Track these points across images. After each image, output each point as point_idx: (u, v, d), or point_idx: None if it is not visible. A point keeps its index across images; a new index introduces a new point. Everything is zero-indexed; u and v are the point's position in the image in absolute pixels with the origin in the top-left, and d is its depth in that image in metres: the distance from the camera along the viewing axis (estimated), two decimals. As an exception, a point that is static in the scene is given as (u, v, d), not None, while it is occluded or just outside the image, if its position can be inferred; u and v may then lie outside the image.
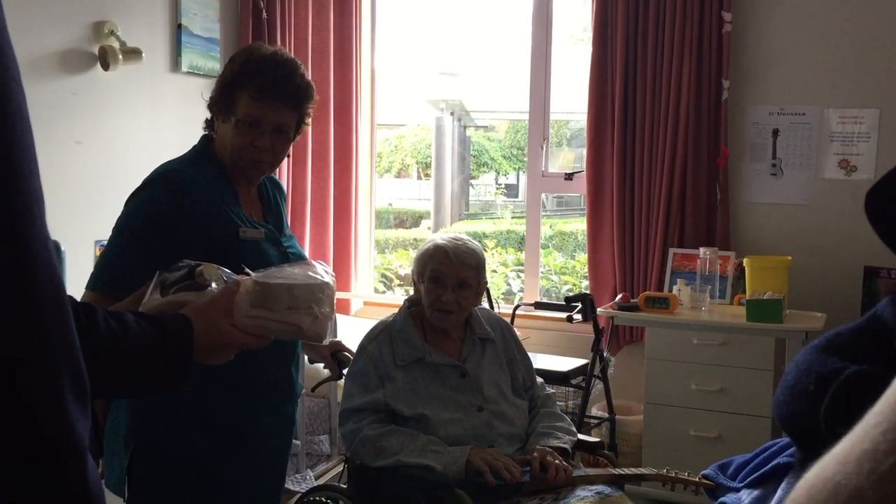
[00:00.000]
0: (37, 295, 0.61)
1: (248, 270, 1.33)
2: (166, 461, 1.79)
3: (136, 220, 1.75)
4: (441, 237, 2.38)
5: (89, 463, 0.65)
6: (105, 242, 3.48)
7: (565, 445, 2.26)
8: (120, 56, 3.48)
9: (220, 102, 1.87)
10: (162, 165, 1.86)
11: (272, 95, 1.83)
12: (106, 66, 3.46)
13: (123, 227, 1.77)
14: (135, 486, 1.78)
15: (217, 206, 1.81)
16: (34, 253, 0.60)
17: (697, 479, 2.10)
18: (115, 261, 1.74)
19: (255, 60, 1.84)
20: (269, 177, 2.04)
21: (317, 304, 1.33)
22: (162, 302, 1.22)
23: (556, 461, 2.14)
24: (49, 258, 0.62)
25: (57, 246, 3.05)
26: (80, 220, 3.38)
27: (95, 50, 3.47)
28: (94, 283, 1.74)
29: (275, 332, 1.29)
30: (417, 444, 2.12)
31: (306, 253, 4.46)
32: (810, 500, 0.41)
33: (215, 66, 4.10)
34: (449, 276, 2.28)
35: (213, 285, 1.26)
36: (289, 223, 2.09)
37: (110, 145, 3.58)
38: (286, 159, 4.33)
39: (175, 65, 3.91)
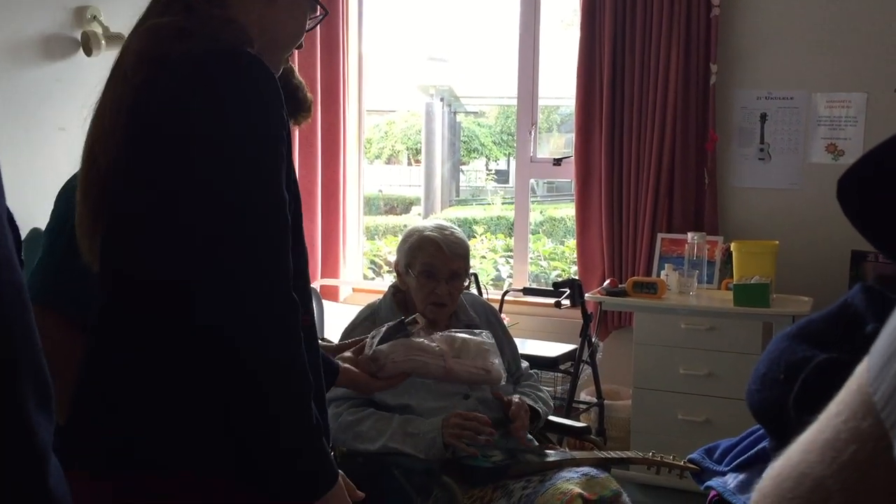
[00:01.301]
0: None
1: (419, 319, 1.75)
2: None
3: None
4: (427, 227, 2.33)
5: (52, 466, 0.64)
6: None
7: (539, 408, 2.27)
8: (103, 42, 3.44)
9: None
10: None
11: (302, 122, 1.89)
12: (89, 52, 3.42)
13: None
14: None
15: None
16: None
17: (683, 463, 2.10)
18: None
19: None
20: None
21: (491, 355, 1.78)
22: (393, 344, 1.64)
23: (525, 420, 2.16)
24: (8, 258, 0.61)
25: (40, 233, 3.02)
26: (65, 208, 3.36)
27: (78, 35, 3.43)
28: None
29: (470, 375, 1.74)
30: (394, 426, 2.12)
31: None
32: (776, 489, 0.41)
33: (201, 51, 4.07)
34: (442, 268, 2.25)
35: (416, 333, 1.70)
36: None
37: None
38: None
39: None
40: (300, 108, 1.82)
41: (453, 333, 1.78)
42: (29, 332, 0.63)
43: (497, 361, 1.80)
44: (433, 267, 2.24)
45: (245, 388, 1.13)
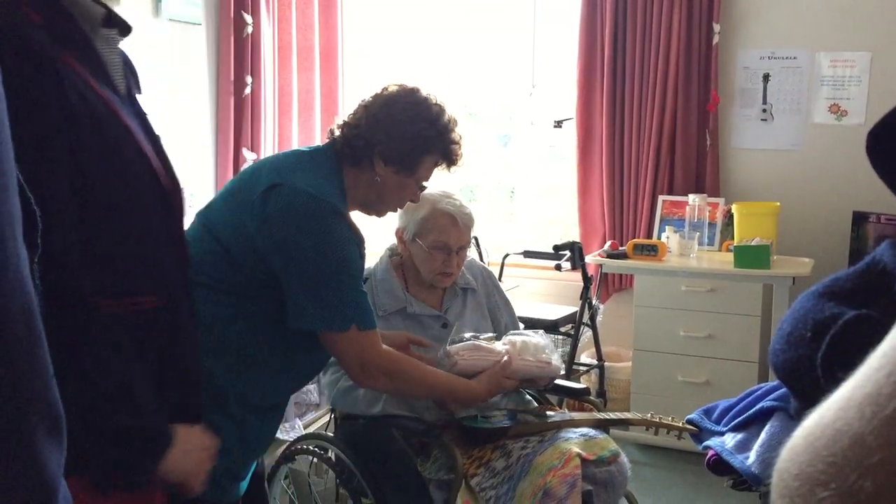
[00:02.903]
0: (5, 326, 0.56)
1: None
2: None
3: (341, 262, 1.73)
4: (437, 197, 2.26)
5: (60, 499, 0.62)
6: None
7: None
8: None
9: (404, 157, 1.84)
10: (325, 195, 1.74)
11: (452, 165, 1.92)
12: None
13: (329, 267, 1.72)
14: None
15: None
16: (4, 280, 0.56)
17: (681, 425, 2.11)
18: (356, 300, 1.76)
19: (449, 129, 1.88)
20: None
21: (549, 351, 2.13)
22: (463, 344, 2.08)
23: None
24: (22, 283, 0.58)
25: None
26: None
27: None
28: (367, 322, 1.76)
29: (534, 371, 2.09)
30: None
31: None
32: (809, 448, 0.39)
33: (198, 12, 4.02)
34: (455, 243, 2.25)
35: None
36: None
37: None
38: (271, 108, 4.27)
39: (156, 10, 3.83)
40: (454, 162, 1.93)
41: (514, 337, 2.14)
42: (38, 363, 0.60)
43: (555, 356, 2.15)
44: (448, 243, 2.23)
45: None
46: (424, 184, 1.92)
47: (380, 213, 1.95)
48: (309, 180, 1.73)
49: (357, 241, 1.77)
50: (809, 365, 0.77)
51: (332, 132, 1.90)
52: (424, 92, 1.89)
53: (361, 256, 1.81)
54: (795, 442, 0.40)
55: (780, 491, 0.40)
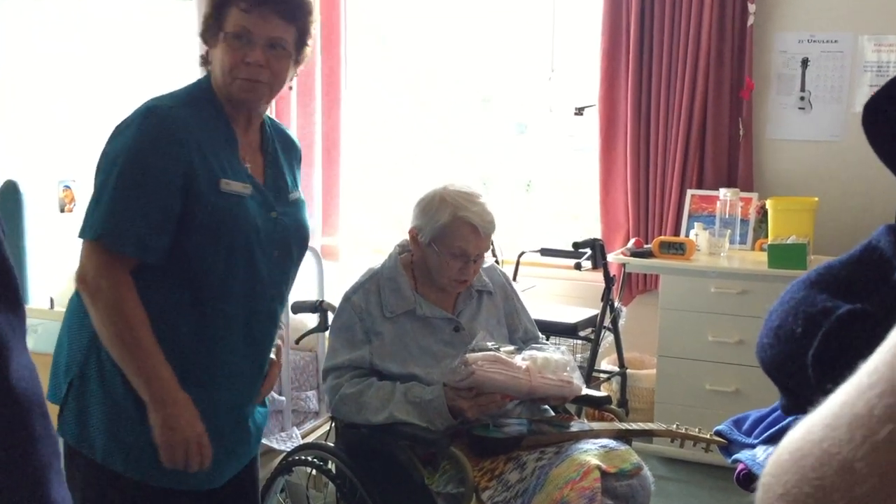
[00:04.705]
0: None
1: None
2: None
3: (123, 165, 1.69)
4: (458, 201, 2.24)
5: (14, 362, 0.63)
6: (68, 183, 3.46)
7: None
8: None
9: (210, 24, 1.81)
10: (152, 100, 1.77)
11: (262, 5, 1.77)
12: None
13: (110, 171, 1.69)
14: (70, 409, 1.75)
15: (204, 151, 1.75)
16: None
17: (709, 436, 2.11)
18: (112, 210, 1.68)
19: None
20: (279, 131, 1.99)
21: (570, 369, 2.22)
22: (484, 354, 2.11)
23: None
24: None
25: (15, 186, 3.03)
26: (42, 160, 3.36)
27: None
28: (96, 233, 1.69)
29: (553, 389, 2.17)
30: (397, 396, 2.14)
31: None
32: (796, 466, 0.39)
33: (191, -10, 4.03)
34: (474, 252, 2.26)
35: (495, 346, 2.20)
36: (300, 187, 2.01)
37: (74, 80, 3.53)
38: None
39: (147, -11, 3.84)
40: None
41: (534, 352, 2.21)
42: None
43: (576, 375, 2.23)
44: (467, 250, 2.24)
45: None
46: (252, 41, 1.77)
47: (240, 95, 1.80)
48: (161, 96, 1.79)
49: (180, 141, 1.71)
50: (799, 362, 0.76)
51: None
52: None
53: (187, 156, 1.72)
54: (781, 457, 0.40)
55: None
